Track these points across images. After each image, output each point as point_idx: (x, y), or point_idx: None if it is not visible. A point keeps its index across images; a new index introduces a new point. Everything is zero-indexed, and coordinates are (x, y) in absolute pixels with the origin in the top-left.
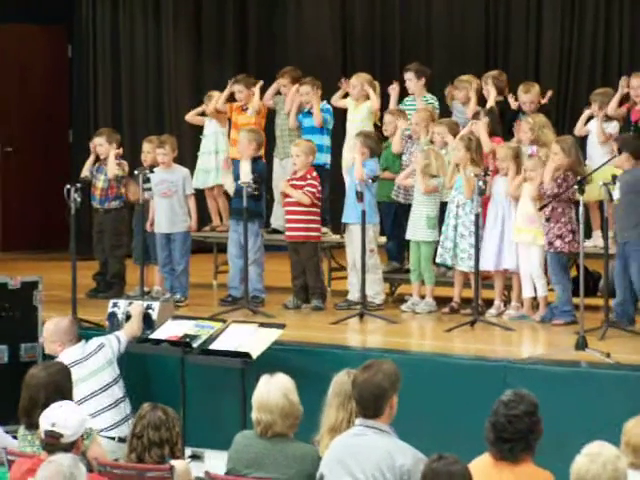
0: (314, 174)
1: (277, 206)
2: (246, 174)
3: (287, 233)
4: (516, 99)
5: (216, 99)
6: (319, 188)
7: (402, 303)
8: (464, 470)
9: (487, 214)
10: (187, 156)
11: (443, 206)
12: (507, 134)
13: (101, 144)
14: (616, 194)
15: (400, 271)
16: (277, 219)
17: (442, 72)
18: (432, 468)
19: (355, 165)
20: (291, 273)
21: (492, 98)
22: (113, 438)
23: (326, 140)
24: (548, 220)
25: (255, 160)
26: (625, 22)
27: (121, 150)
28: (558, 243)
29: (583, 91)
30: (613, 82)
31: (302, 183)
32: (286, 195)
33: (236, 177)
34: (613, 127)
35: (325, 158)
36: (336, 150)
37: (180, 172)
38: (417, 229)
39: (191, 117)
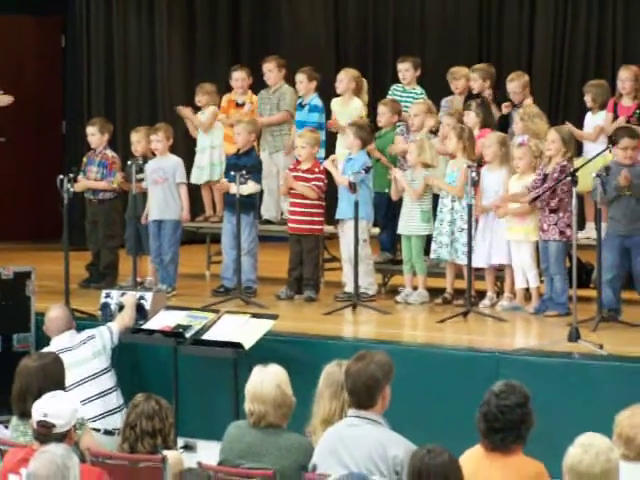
0: (321, 167)
1: (268, 197)
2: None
3: (290, 225)
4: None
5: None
6: (325, 182)
7: (395, 294)
8: (451, 462)
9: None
10: (180, 148)
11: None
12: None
13: (93, 134)
14: None
15: (393, 262)
16: (268, 210)
17: (435, 63)
18: (419, 460)
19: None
20: (289, 264)
21: (477, 89)
22: (99, 430)
23: (321, 133)
24: (556, 211)
25: (248, 152)
26: (618, 12)
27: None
28: (569, 232)
29: (576, 82)
30: (606, 73)
31: (309, 176)
32: (291, 187)
33: (227, 172)
34: (602, 118)
35: (320, 152)
36: (330, 144)
37: (172, 160)
38: (410, 223)
39: (193, 131)
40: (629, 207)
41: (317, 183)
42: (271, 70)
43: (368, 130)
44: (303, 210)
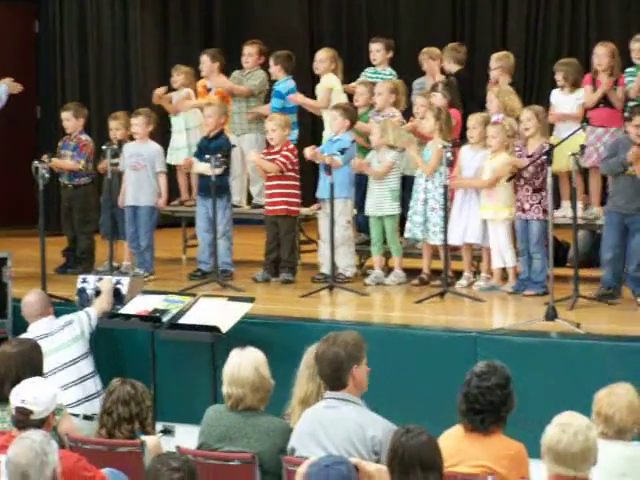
0: (290, 146)
1: (235, 181)
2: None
3: (268, 207)
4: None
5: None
6: (294, 160)
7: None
8: (430, 442)
9: (455, 188)
10: (156, 132)
11: (409, 180)
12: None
13: (68, 119)
14: None
15: (369, 243)
16: (233, 194)
17: (409, 42)
18: (398, 440)
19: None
20: (266, 246)
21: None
22: (78, 415)
23: (292, 116)
24: (540, 190)
25: (218, 135)
26: None
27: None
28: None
29: (550, 60)
30: (580, 51)
31: (277, 156)
32: (261, 167)
33: (197, 154)
34: (578, 97)
35: (292, 134)
36: (303, 126)
37: (152, 148)
38: (380, 204)
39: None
40: (632, 185)
41: (281, 159)
42: (251, 54)
43: (354, 111)
44: (280, 191)
